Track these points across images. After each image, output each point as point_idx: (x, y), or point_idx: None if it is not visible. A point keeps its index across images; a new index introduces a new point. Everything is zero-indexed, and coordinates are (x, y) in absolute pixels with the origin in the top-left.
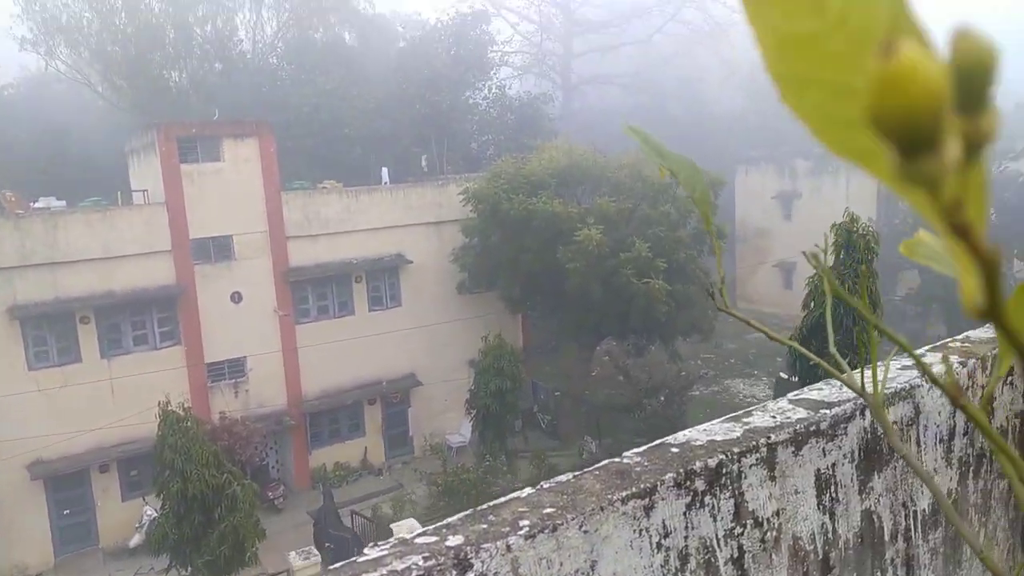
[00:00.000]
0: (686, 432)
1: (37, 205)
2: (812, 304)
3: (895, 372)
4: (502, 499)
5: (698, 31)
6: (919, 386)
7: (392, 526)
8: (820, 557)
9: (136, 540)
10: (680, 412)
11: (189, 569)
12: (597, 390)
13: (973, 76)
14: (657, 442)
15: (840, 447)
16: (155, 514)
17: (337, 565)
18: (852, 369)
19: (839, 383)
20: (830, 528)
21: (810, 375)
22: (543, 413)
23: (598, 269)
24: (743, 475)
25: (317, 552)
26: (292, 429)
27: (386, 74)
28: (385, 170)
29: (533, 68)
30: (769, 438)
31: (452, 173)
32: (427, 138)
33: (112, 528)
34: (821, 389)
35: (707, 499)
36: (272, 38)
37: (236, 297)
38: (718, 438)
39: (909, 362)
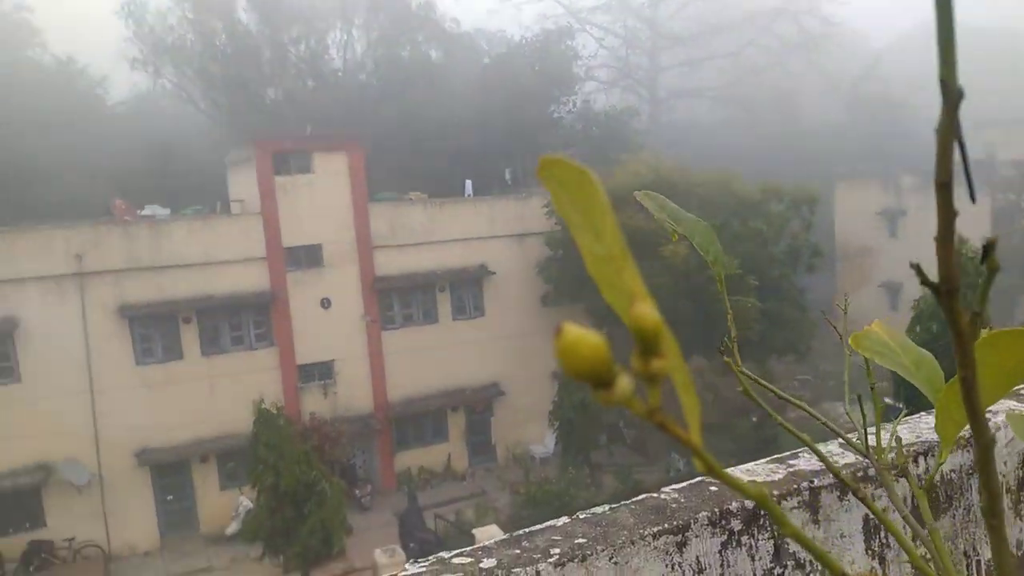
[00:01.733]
0: (727, 471)
1: (143, 213)
2: (918, 328)
3: None
4: (537, 527)
5: (790, 44)
6: None
7: (474, 531)
8: None
9: (233, 528)
10: (773, 435)
11: (281, 558)
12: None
13: (646, 338)
14: (696, 479)
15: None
16: (250, 505)
17: None
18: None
19: (904, 424)
20: (879, 572)
21: (917, 402)
22: (629, 428)
23: (685, 285)
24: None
25: (402, 551)
26: (378, 432)
27: (471, 89)
28: (469, 182)
29: (619, 82)
30: (812, 482)
31: (536, 186)
32: (511, 151)
33: (211, 515)
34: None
35: (744, 539)
36: (362, 56)
37: (325, 303)
38: (759, 478)
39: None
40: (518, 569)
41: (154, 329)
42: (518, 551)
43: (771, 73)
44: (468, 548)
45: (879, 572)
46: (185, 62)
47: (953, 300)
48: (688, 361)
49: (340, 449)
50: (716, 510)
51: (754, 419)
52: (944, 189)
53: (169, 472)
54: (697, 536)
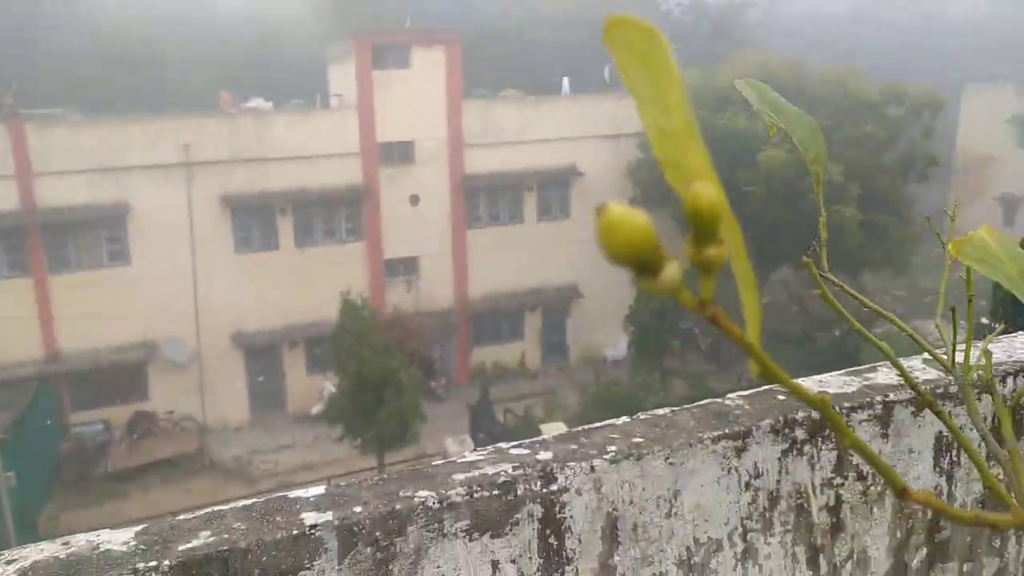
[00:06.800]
0: (799, 381)
1: (248, 105)
2: None
3: None
4: (596, 424)
5: None
6: None
7: (541, 427)
8: (928, 516)
9: (317, 409)
10: (855, 349)
11: (359, 440)
12: (767, 318)
13: (701, 221)
14: (764, 387)
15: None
16: (333, 389)
17: (438, 462)
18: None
19: (998, 343)
20: (945, 490)
21: (1021, 323)
22: (704, 335)
23: (782, 192)
24: (851, 430)
25: (471, 440)
26: (456, 328)
27: None
28: (566, 80)
29: None
30: (887, 396)
31: None
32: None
33: (298, 396)
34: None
35: (806, 448)
36: None
37: (414, 200)
38: (831, 390)
39: None
40: (573, 463)
41: (253, 219)
42: (575, 446)
43: None
44: (527, 440)
45: (945, 489)
46: None
47: None
48: (776, 271)
49: (420, 342)
50: (781, 418)
51: (837, 333)
52: None
53: (261, 355)
54: (758, 443)
